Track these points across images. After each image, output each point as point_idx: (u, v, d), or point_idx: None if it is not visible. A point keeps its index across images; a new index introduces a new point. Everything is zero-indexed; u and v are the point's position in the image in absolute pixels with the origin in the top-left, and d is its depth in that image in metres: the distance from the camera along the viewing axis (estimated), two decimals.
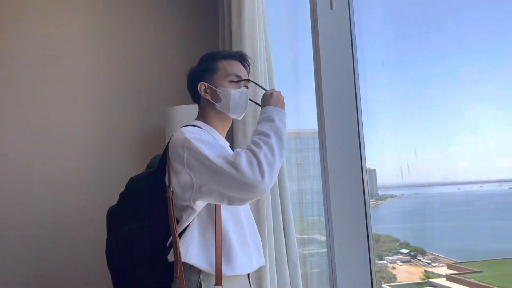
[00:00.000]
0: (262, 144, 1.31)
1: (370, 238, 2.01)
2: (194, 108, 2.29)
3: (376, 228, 2.26)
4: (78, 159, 2.70)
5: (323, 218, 2.43)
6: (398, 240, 2.54)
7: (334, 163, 2.04)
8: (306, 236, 2.52)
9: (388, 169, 2.46)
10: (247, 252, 1.48)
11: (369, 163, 2.18)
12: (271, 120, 1.40)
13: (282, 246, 2.11)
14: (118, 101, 2.76)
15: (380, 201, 2.54)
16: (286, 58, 2.55)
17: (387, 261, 2.50)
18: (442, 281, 2.37)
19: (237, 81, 1.58)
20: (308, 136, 2.68)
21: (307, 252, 2.49)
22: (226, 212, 1.45)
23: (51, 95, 2.73)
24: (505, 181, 2.25)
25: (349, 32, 2.11)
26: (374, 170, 2.50)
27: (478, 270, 2.32)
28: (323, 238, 2.54)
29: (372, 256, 1.99)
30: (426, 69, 2.31)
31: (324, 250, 2.48)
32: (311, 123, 2.56)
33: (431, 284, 2.41)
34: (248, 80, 1.62)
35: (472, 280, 2.27)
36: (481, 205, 2.37)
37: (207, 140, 1.40)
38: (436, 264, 2.45)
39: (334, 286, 1.96)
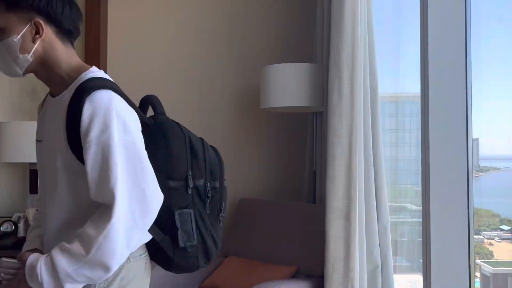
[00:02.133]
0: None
1: (471, 212, 1.89)
2: (291, 67, 2.27)
3: (474, 201, 2.12)
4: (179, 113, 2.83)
5: (416, 187, 2.32)
6: (498, 216, 2.37)
7: (436, 131, 1.91)
8: (396, 204, 2.44)
9: (492, 139, 2.27)
10: None
11: (474, 133, 2.02)
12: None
13: (372, 209, 2.07)
14: (217, 60, 2.82)
15: (481, 173, 2.36)
16: (388, 11, 2.41)
17: (483, 236, 2.36)
18: None
19: None
20: (404, 101, 2.54)
21: (396, 220, 2.42)
22: None
23: (159, 55, 2.86)
24: None
25: None
26: (476, 140, 2.31)
27: None
28: (414, 207, 2.44)
29: (471, 231, 1.88)
30: None
31: (415, 219, 2.38)
32: (410, 87, 2.41)
33: None
34: None
35: None
36: None
37: None
38: None
39: (427, 257, 1.89)
